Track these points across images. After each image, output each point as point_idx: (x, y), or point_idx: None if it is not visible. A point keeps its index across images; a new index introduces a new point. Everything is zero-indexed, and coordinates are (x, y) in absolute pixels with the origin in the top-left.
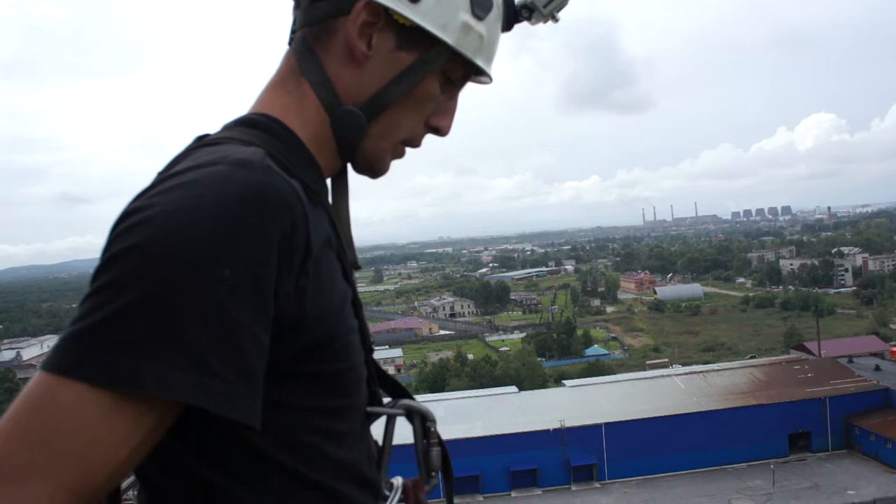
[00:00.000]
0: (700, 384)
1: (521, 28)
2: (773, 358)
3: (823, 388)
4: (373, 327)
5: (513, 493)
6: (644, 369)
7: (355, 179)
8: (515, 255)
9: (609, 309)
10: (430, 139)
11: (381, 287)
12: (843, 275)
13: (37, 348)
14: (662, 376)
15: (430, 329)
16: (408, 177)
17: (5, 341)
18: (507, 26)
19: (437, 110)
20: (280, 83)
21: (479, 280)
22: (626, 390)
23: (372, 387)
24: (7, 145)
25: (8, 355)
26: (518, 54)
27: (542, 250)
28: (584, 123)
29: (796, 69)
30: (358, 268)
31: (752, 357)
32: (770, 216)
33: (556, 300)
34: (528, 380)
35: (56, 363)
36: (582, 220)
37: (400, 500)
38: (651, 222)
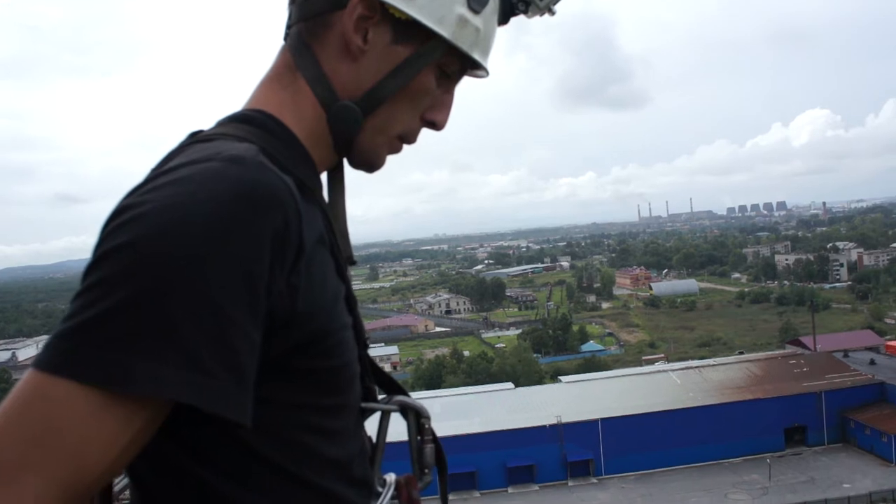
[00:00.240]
0: (696, 379)
1: (517, 24)
2: (769, 353)
3: (819, 383)
4: (368, 325)
5: (509, 490)
6: (640, 365)
7: (351, 177)
8: (511, 251)
9: (605, 305)
10: (425, 135)
11: (376, 284)
12: (838, 270)
13: (32, 349)
14: (658, 372)
15: (426, 326)
16: (403, 174)
17: (1, 342)
18: (504, 19)
19: (433, 104)
20: (275, 78)
21: (475, 277)
22: (622, 386)
23: (366, 383)
24: (3, 144)
25: (3, 356)
26: (513, 51)
27: (538, 247)
28: (580, 119)
29: (791, 65)
30: (353, 263)
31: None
32: (765, 212)
33: (551, 296)
34: (524, 376)
35: (47, 361)
36: (577, 217)
37: (392, 497)
38: (646, 218)
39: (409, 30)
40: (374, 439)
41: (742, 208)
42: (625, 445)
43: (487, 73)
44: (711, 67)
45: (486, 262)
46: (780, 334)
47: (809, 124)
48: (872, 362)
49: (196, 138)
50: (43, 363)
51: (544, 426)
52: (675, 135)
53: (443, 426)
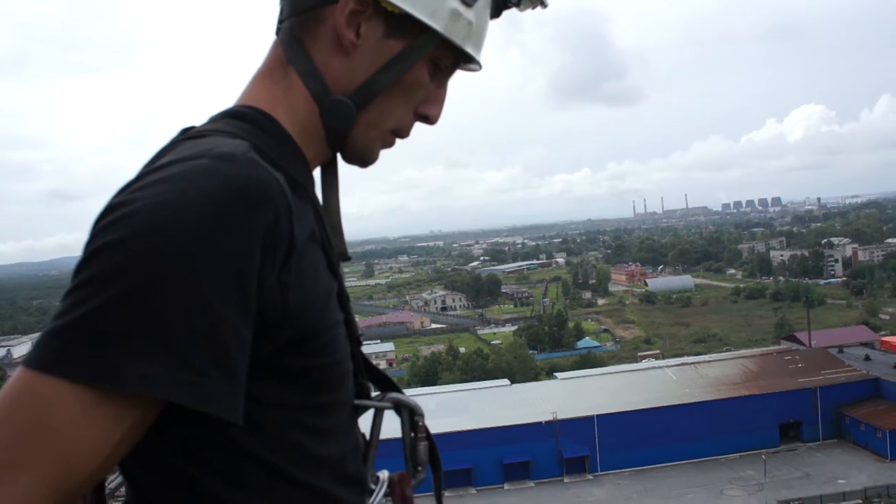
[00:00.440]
0: (691, 375)
1: (511, 21)
2: (764, 349)
3: (814, 379)
4: (364, 322)
5: (505, 486)
6: (636, 361)
7: (346, 173)
8: (506, 248)
9: (600, 301)
10: (420, 132)
11: (372, 281)
12: (832, 265)
13: (27, 346)
14: (654, 368)
15: (422, 323)
16: (398, 170)
17: None
18: (496, 13)
19: (426, 99)
20: (267, 74)
21: (471, 273)
22: (617, 382)
23: (359, 380)
24: None
25: None
26: (507, 47)
27: (533, 243)
28: (574, 116)
29: (786, 60)
30: (347, 259)
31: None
32: (760, 207)
33: (547, 293)
34: (520, 373)
35: (37, 359)
36: (573, 213)
37: (386, 495)
38: (642, 214)
39: (402, 24)
40: (367, 436)
41: (737, 204)
42: (620, 442)
43: (480, 66)
44: (706, 63)
45: (481, 258)
46: (775, 330)
47: (804, 120)
48: (867, 358)
49: (187, 135)
50: (33, 361)
51: (540, 423)
52: (670, 131)
53: (439, 423)
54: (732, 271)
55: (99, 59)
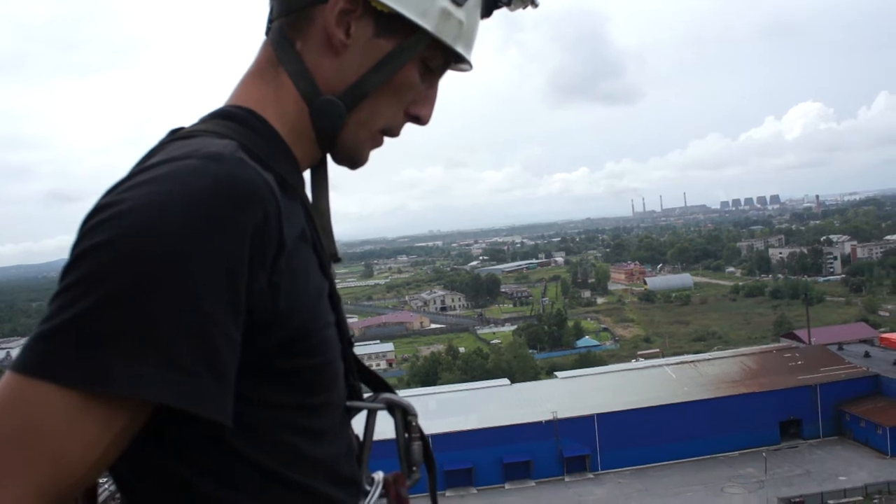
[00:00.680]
0: (691, 374)
1: (508, 21)
2: (764, 346)
3: (814, 376)
4: (364, 322)
5: (506, 486)
6: (635, 360)
7: (345, 174)
8: (505, 247)
9: (600, 300)
10: (418, 132)
11: (371, 281)
12: (831, 263)
13: None
14: (654, 366)
15: (422, 323)
16: (397, 170)
17: None
18: (487, 12)
19: (417, 99)
20: (257, 74)
21: (470, 273)
22: (617, 381)
23: (351, 381)
24: None
25: None
26: (505, 47)
27: (532, 242)
28: (573, 115)
29: (783, 58)
30: (337, 260)
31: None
32: (759, 205)
33: (546, 292)
34: (520, 372)
35: (24, 363)
36: (571, 212)
37: (381, 496)
38: (640, 213)
39: (392, 23)
40: (360, 438)
41: (736, 202)
42: (621, 440)
43: (471, 66)
44: (704, 61)
45: (480, 258)
46: (774, 328)
47: (802, 117)
48: (867, 355)
49: (176, 135)
50: (21, 365)
51: (540, 422)
52: (669, 129)
53: (439, 423)
54: (731, 269)
55: (98, 59)
